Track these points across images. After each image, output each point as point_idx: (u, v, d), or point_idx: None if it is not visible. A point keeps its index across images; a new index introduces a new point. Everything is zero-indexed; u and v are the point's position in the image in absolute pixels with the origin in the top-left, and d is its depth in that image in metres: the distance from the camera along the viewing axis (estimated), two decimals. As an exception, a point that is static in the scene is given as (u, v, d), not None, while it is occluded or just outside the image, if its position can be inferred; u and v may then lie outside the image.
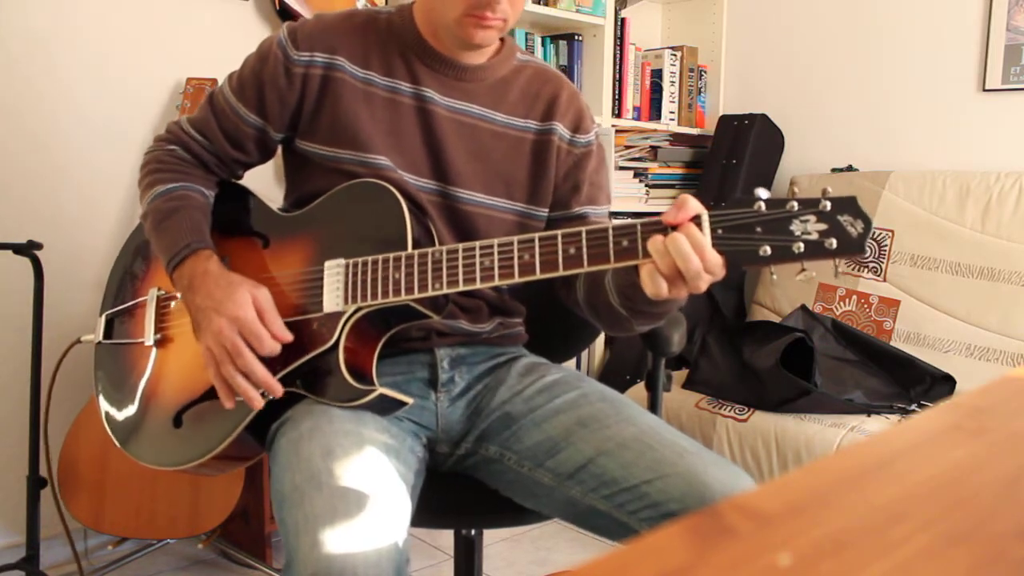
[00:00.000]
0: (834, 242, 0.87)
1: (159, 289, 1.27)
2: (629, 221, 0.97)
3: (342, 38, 1.19)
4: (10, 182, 2.02)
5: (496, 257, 1.02)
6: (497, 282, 1.02)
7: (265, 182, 2.26)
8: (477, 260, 1.02)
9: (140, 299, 1.28)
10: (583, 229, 0.98)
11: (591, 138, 1.29)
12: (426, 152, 1.20)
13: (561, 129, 1.26)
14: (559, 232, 0.99)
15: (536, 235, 1.00)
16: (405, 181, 1.18)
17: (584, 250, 0.97)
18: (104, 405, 1.27)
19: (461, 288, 1.04)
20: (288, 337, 1.09)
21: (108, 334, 1.30)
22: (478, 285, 1.03)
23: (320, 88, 1.18)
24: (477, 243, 1.03)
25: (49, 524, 1.95)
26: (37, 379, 1.82)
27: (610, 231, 0.96)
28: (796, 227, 0.88)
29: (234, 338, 1.07)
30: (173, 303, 1.25)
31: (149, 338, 1.24)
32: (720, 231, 0.91)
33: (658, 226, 0.95)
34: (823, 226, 0.88)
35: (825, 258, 0.88)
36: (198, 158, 1.25)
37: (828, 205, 0.88)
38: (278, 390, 1.08)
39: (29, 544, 1.81)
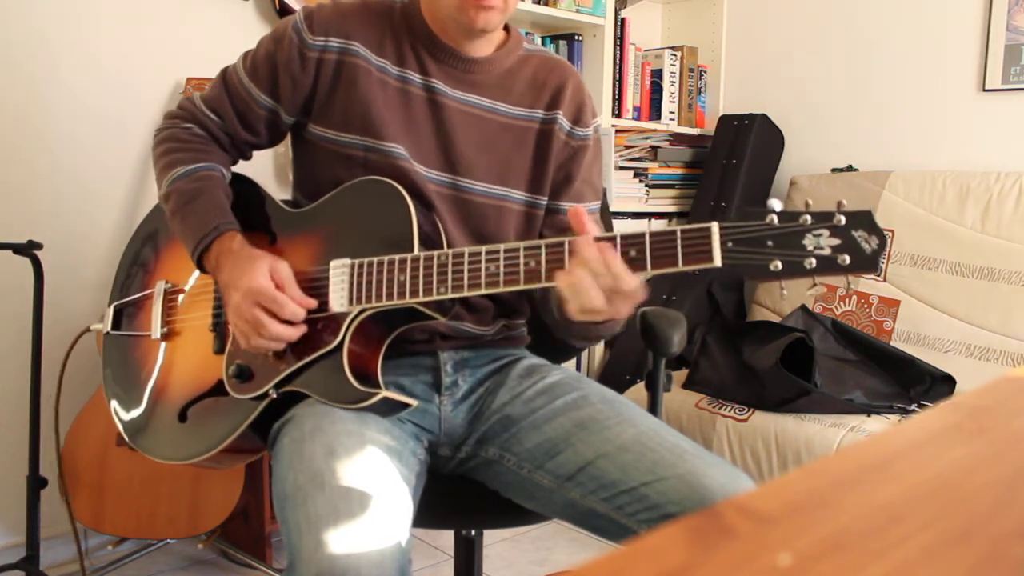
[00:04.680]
0: (847, 258, 0.85)
1: (166, 282, 1.27)
2: (638, 230, 0.95)
3: (358, 24, 1.19)
4: (10, 182, 2.02)
5: (502, 263, 1.00)
6: (502, 288, 1.01)
7: (266, 177, 2.25)
8: (483, 265, 1.01)
9: (148, 291, 1.28)
10: (592, 236, 0.96)
11: (589, 132, 1.29)
12: (436, 143, 1.21)
13: (562, 119, 1.26)
14: (566, 240, 0.98)
15: (543, 242, 0.99)
16: (417, 171, 1.18)
17: None
18: (110, 396, 1.28)
19: (466, 293, 1.03)
20: (311, 303, 1.08)
21: (116, 325, 1.30)
22: (483, 291, 1.02)
23: (334, 73, 1.18)
24: (483, 248, 1.02)
25: (49, 524, 1.95)
26: (37, 379, 1.82)
27: (618, 240, 0.95)
28: (809, 241, 0.87)
29: (253, 310, 1.06)
30: (180, 297, 1.25)
31: (156, 332, 1.24)
32: (730, 244, 0.89)
33: (665, 235, 0.93)
34: (836, 241, 0.86)
35: (837, 274, 0.86)
36: (213, 136, 1.25)
37: (842, 220, 0.86)
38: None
39: (29, 544, 1.81)
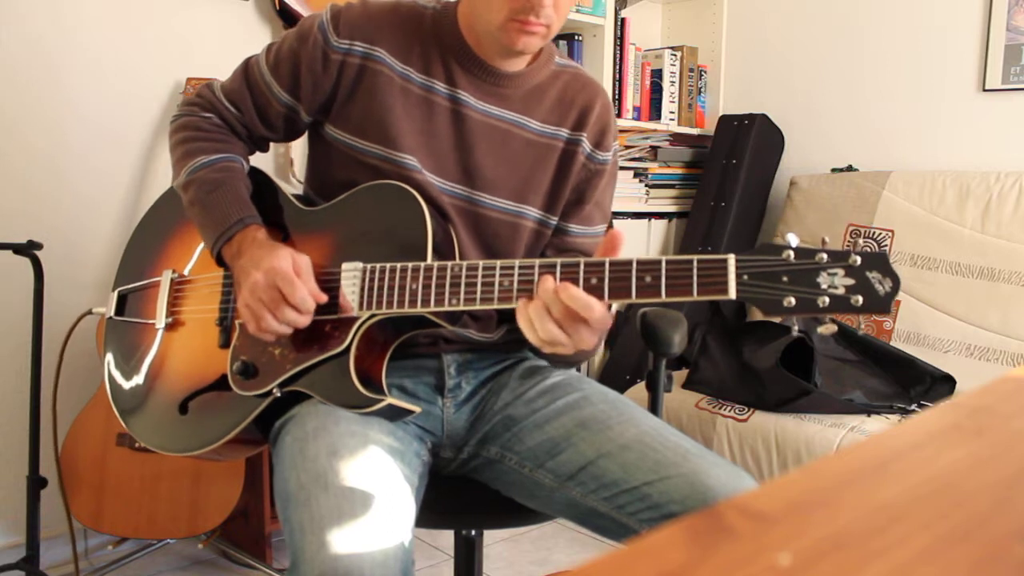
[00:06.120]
0: (860, 299, 0.86)
1: (173, 271, 1.26)
2: (655, 257, 0.95)
3: (385, 30, 1.18)
4: (10, 182, 2.02)
5: (516, 278, 1.00)
6: (515, 304, 1.00)
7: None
8: (496, 280, 1.00)
9: (154, 279, 1.28)
10: (607, 260, 0.96)
11: (608, 156, 1.28)
12: (456, 155, 1.19)
13: (585, 141, 1.25)
14: (581, 260, 0.97)
15: (558, 260, 0.98)
16: (430, 183, 1.17)
17: (606, 281, 0.95)
18: (111, 382, 1.27)
19: (478, 307, 1.02)
20: (322, 298, 1.08)
21: (120, 311, 1.30)
22: (495, 305, 1.01)
23: (356, 77, 1.17)
24: (498, 262, 1.01)
25: (49, 524, 1.95)
26: (37, 379, 1.82)
27: (634, 265, 0.94)
28: (823, 280, 0.87)
29: (270, 291, 1.05)
30: (187, 288, 1.25)
31: (160, 321, 1.24)
32: (745, 277, 0.89)
33: (681, 264, 0.93)
34: (850, 281, 0.86)
35: (849, 313, 0.87)
36: (231, 127, 1.24)
37: (858, 260, 0.86)
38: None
39: (29, 544, 1.81)
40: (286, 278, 1.05)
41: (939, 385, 2.18)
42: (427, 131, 1.18)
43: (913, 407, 2.11)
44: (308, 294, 1.06)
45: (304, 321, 1.07)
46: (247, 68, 1.23)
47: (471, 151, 1.19)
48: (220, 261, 1.17)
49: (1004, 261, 2.31)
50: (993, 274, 2.32)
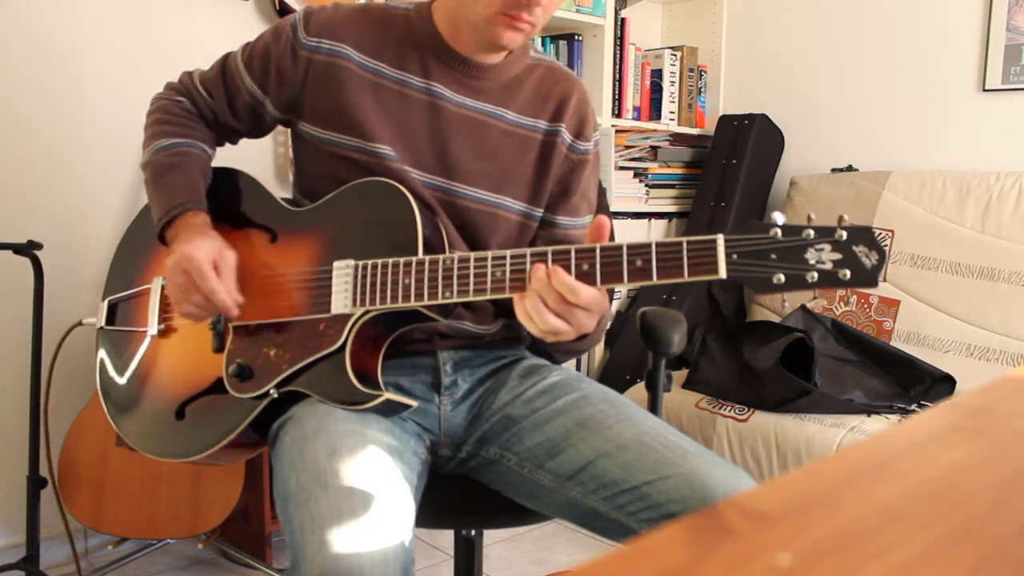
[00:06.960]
0: (848, 273, 0.87)
1: (163, 278, 1.27)
2: (644, 241, 0.95)
3: (353, 28, 1.20)
4: (10, 182, 2.02)
5: (508, 269, 1.00)
6: (507, 294, 1.01)
7: (266, 177, 2.25)
8: (489, 271, 1.02)
9: (144, 287, 1.28)
10: (597, 245, 0.97)
11: (590, 146, 1.29)
12: (432, 148, 1.20)
13: (564, 132, 1.26)
14: (572, 247, 0.98)
15: (549, 248, 0.99)
16: (407, 173, 1.18)
17: (597, 267, 0.96)
18: (105, 392, 1.27)
19: (471, 298, 1.03)
20: (238, 298, 1.13)
21: (111, 320, 1.30)
22: (488, 296, 1.02)
23: (323, 74, 1.19)
24: (489, 253, 1.02)
25: (49, 524, 1.95)
26: (37, 380, 1.82)
27: (624, 249, 0.95)
28: (811, 255, 0.88)
29: (182, 276, 1.11)
30: None
31: (152, 328, 1.24)
32: (735, 256, 0.90)
33: (671, 246, 0.93)
34: (837, 256, 0.88)
35: (838, 288, 0.88)
36: (200, 112, 1.29)
37: (844, 235, 0.87)
38: (233, 311, 1.12)
39: (29, 544, 1.81)
40: (197, 269, 1.09)
41: (939, 385, 2.18)
42: (402, 123, 1.20)
43: (913, 407, 2.11)
44: (218, 287, 1.10)
45: (223, 299, 1.11)
46: (225, 61, 1.29)
47: (447, 143, 1.20)
48: (165, 242, 1.21)
49: (1004, 261, 2.31)
50: (993, 274, 2.32)
